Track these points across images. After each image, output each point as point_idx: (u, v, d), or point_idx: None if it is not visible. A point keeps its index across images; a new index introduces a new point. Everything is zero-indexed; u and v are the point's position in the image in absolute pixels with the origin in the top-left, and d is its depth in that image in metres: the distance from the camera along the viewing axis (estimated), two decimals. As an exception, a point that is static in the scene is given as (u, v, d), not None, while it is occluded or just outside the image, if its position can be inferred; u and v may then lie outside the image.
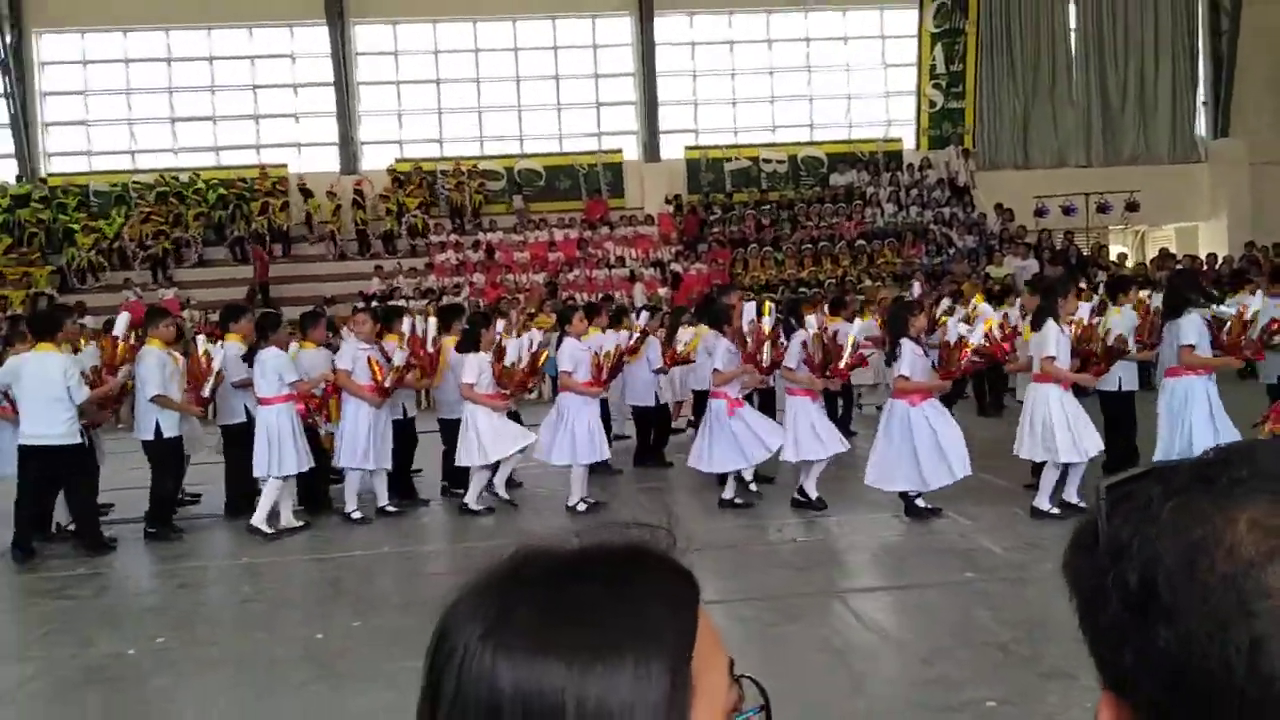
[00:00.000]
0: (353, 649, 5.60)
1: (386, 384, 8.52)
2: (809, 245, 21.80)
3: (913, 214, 22.88)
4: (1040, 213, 21.94)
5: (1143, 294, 9.71)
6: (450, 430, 9.34)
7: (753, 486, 8.67)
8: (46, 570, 7.55)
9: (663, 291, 19.42)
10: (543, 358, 9.05)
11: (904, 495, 7.70)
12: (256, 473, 8.23)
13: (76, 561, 7.73)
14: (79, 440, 7.71)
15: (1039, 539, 6.95)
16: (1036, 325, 7.63)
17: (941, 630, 5.55)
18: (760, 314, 8.41)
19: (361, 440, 8.41)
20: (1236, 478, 0.66)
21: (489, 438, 8.46)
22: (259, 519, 8.14)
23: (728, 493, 8.38)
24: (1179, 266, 17.16)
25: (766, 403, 9.55)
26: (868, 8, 24.87)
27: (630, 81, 24.56)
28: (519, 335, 9.53)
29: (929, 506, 7.70)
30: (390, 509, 8.75)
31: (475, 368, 8.55)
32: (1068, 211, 21.86)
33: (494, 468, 8.76)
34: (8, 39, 22.45)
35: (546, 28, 24.46)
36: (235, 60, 24.11)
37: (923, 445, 7.43)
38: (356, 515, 8.54)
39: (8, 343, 8.67)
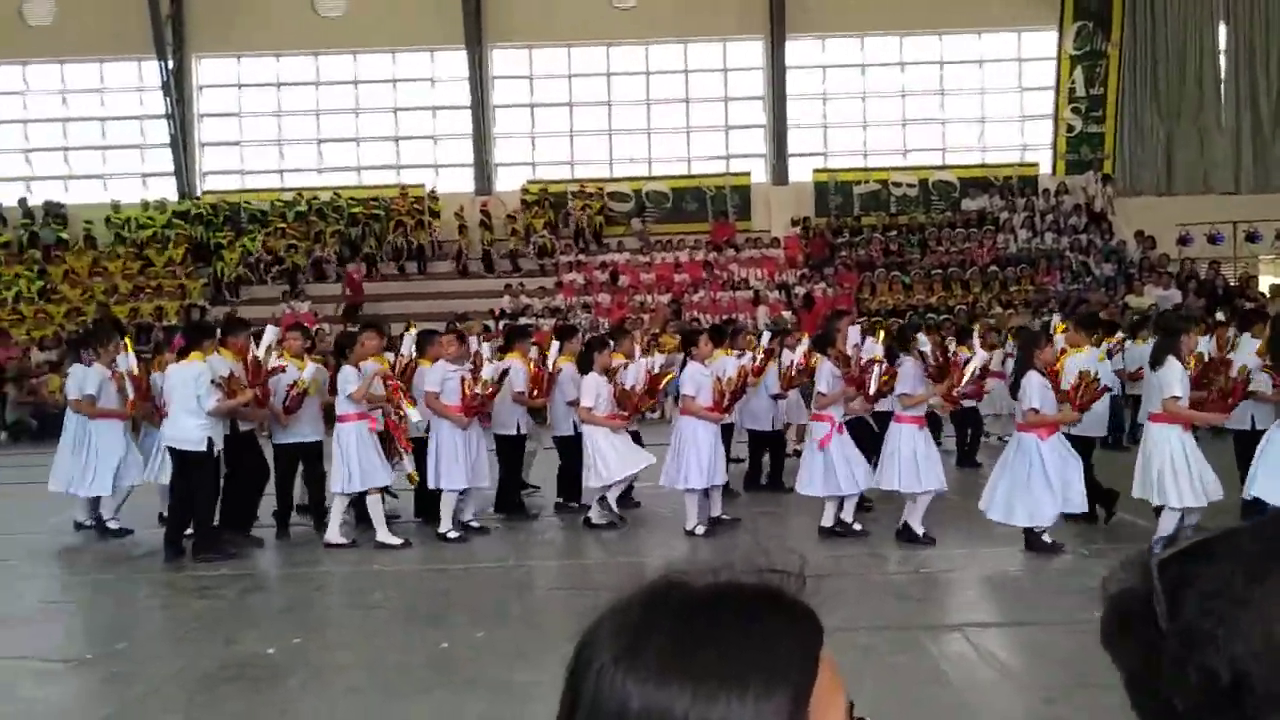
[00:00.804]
0: (475, 659, 5.79)
1: (474, 405, 8.53)
2: (939, 271, 21.46)
3: (1048, 240, 22.30)
4: (1184, 241, 21.13)
5: None
6: (564, 446, 9.55)
7: (847, 518, 8.48)
8: (193, 569, 7.99)
9: (787, 314, 19.37)
10: (665, 380, 9.15)
11: (1027, 529, 7.54)
12: (335, 489, 8.42)
13: (221, 562, 8.16)
14: (204, 448, 8.10)
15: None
16: (1156, 362, 7.28)
17: (1062, 670, 5.44)
18: (869, 339, 8.39)
19: (454, 460, 8.50)
20: None
21: (610, 458, 8.58)
22: (379, 534, 8.45)
23: (827, 520, 8.31)
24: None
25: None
26: (1004, 30, 24.40)
27: (760, 105, 24.62)
28: (643, 356, 9.66)
29: (1052, 541, 7.52)
30: (475, 524, 8.85)
31: (593, 389, 8.66)
32: (1213, 240, 21.01)
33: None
34: (170, 63, 23.82)
35: (678, 52, 24.74)
36: (378, 84, 25.07)
37: (1049, 477, 7.24)
38: (452, 536, 8.62)
39: (158, 351, 9.18)
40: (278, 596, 7.41)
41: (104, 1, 23.67)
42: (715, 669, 0.78)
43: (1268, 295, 19.10)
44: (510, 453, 9.61)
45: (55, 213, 23.90)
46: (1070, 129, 24.02)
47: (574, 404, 9.55)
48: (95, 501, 9.46)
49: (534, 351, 9.93)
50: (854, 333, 8.50)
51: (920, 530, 7.96)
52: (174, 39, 24.06)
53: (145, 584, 7.76)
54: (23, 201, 24.05)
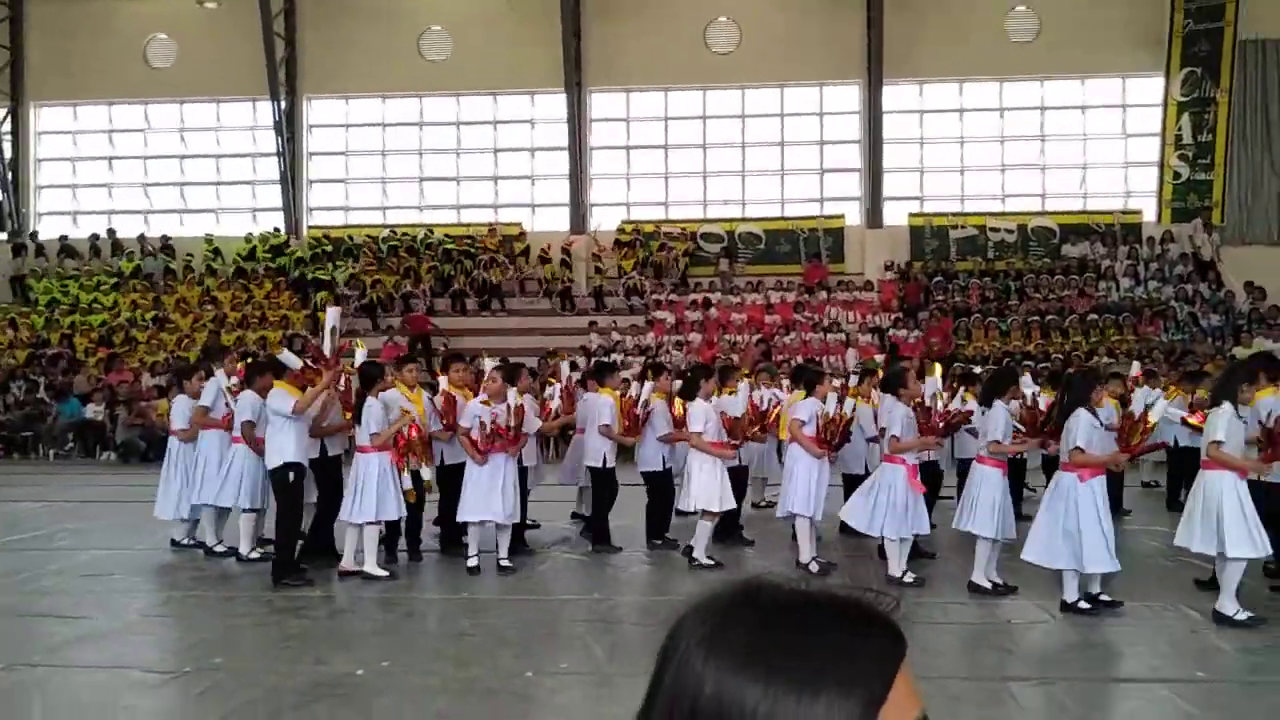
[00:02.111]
0: (560, 690, 5.82)
1: (480, 446, 8.46)
2: (1036, 317, 21.04)
3: (1151, 289, 21.73)
4: (1297, 292, 20.40)
5: None
6: (652, 481, 9.59)
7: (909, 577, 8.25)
8: (287, 590, 8.19)
9: (879, 358, 19.16)
10: (774, 414, 9.14)
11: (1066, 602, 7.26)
12: (343, 516, 8.51)
13: (313, 584, 8.35)
14: (275, 465, 8.37)
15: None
16: (1213, 404, 7.15)
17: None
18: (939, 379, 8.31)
19: (479, 493, 8.49)
20: None
21: (706, 486, 8.61)
22: (366, 564, 8.46)
23: (893, 569, 8.12)
24: None
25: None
26: (1108, 76, 23.99)
27: (855, 148, 24.57)
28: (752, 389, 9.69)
29: (1106, 599, 7.26)
30: (506, 564, 8.71)
31: (701, 416, 8.72)
32: (1328, 292, 20.23)
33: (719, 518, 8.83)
34: (282, 104, 24.76)
35: (774, 95, 24.85)
36: (479, 125, 25.69)
37: (1086, 523, 7.02)
38: (472, 563, 8.61)
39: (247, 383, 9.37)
40: (368, 620, 7.53)
41: (222, 45, 24.78)
42: (791, 668, 0.80)
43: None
44: (599, 486, 9.68)
45: (164, 245, 24.92)
46: (1177, 176, 23.43)
47: (665, 439, 9.61)
48: (195, 523, 9.78)
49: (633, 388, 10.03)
50: (932, 382, 8.43)
51: (993, 581, 7.80)
52: (287, 81, 25.02)
53: (242, 602, 7.97)
54: (141, 237, 25.15)
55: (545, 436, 11.16)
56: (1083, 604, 7.22)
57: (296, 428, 8.41)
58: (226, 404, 9.47)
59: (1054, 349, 19.84)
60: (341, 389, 9.05)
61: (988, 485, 7.77)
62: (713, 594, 0.89)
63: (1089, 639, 6.86)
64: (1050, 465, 8.51)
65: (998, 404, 7.94)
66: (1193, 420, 9.00)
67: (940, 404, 8.34)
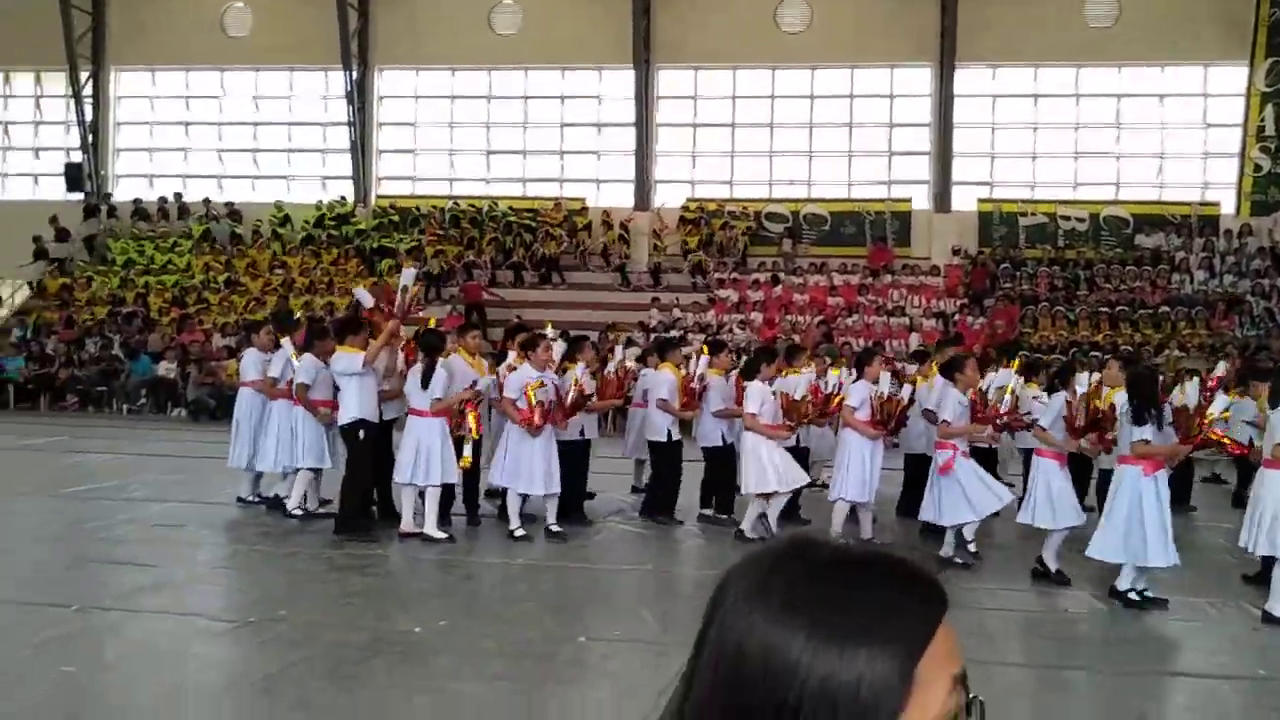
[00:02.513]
0: (613, 655, 5.90)
1: (535, 419, 8.49)
2: (1106, 308, 20.65)
3: (1227, 283, 21.20)
4: (1378, 291, 19.79)
5: None
6: (712, 457, 9.62)
7: (972, 548, 8.26)
8: (352, 548, 8.37)
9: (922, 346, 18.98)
10: (837, 400, 9.07)
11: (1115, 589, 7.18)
12: (402, 479, 8.62)
13: (376, 543, 8.52)
14: (346, 422, 8.63)
15: None
16: (1273, 405, 6.99)
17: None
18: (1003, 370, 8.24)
19: (524, 463, 8.57)
20: None
21: (766, 470, 8.61)
22: (427, 526, 8.56)
23: (946, 550, 8.16)
24: None
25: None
26: (1189, 64, 23.34)
27: (925, 132, 24.23)
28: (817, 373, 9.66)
29: (1151, 596, 7.15)
30: (555, 529, 8.85)
31: (758, 397, 8.74)
32: None
33: (767, 499, 8.82)
34: (354, 74, 25.05)
35: (844, 76, 24.58)
36: (546, 99, 25.76)
37: (1149, 518, 6.92)
38: (520, 533, 8.70)
39: (306, 346, 9.59)
40: (427, 581, 7.68)
41: (297, 16, 25.11)
42: (834, 620, 0.82)
43: None
44: (661, 458, 9.74)
45: (231, 211, 25.38)
46: (1258, 169, 22.78)
47: (720, 414, 9.63)
48: (258, 478, 10.03)
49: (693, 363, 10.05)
50: (1006, 374, 8.39)
51: (1054, 566, 7.74)
52: (359, 51, 25.28)
53: (305, 558, 8.17)
54: (206, 201, 25.64)
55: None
56: (1132, 594, 7.14)
57: (365, 385, 8.61)
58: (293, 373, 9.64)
59: (1123, 340, 19.46)
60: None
61: (1043, 476, 7.74)
62: (761, 549, 0.92)
63: (1149, 632, 6.79)
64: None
65: (1057, 395, 7.94)
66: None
67: (1008, 398, 8.21)
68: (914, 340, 19.16)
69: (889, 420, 8.63)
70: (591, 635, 6.24)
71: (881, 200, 23.97)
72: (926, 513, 8.21)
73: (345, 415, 8.64)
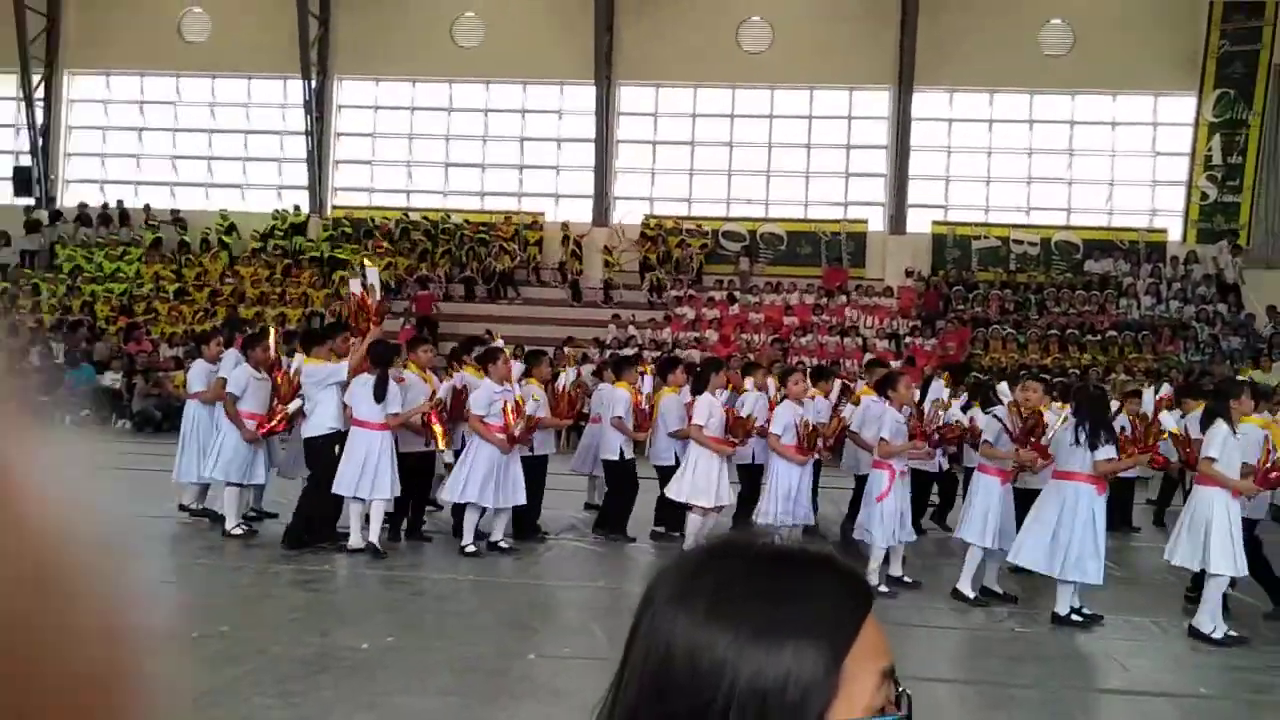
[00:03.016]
0: (563, 672, 5.86)
1: (516, 432, 8.52)
2: (1055, 331, 20.97)
3: (1173, 309, 21.62)
4: (1319, 319, 20.27)
5: None
6: (665, 475, 9.62)
7: (896, 570, 8.16)
8: (300, 562, 8.26)
9: (895, 364, 19.12)
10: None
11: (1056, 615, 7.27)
12: (346, 492, 8.43)
13: (323, 558, 8.42)
14: (319, 434, 8.57)
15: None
16: (1204, 426, 7.11)
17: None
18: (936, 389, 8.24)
19: (486, 478, 8.47)
20: None
21: (698, 481, 8.53)
22: (371, 537, 8.44)
23: (874, 578, 7.86)
24: None
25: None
26: (1140, 93, 23.85)
27: (882, 154, 24.51)
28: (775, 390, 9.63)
29: (1088, 613, 7.24)
30: (504, 545, 8.78)
31: (705, 410, 8.65)
32: (1351, 319, 20.10)
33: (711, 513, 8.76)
34: (313, 83, 24.88)
35: (803, 97, 24.82)
36: (507, 113, 25.74)
37: (1100, 536, 7.05)
38: (471, 549, 8.60)
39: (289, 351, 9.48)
40: (376, 596, 7.59)
41: (256, 22, 24.90)
42: (759, 617, 0.82)
43: None
44: (614, 477, 9.72)
45: (175, 219, 25.04)
46: (1204, 197, 23.29)
47: (675, 435, 9.62)
48: (205, 490, 9.84)
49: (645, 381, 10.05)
50: (937, 386, 8.34)
51: (994, 589, 7.74)
52: (319, 60, 25.12)
53: (250, 572, 8.05)
54: (147, 208, 25.29)
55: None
56: (1075, 616, 7.23)
57: (338, 395, 8.52)
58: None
59: (1071, 364, 19.76)
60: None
61: (983, 493, 7.74)
62: (686, 553, 0.92)
63: (1092, 650, 6.86)
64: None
65: (993, 410, 7.95)
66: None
67: (941, 413, 8.20)
68: (868, 360, 19.31)
69: (815, 443, 8.49)
70: (542, 652, 6.20)
71: (838, 221, 24.20)
72: (860, 532, 8.08)
73: (319, 426, 8.54)
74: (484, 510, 8.72)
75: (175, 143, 26.65)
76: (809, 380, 9.61)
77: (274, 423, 9.01)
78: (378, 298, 8.71)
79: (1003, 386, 8.19)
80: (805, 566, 0.88)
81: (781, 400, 9.03)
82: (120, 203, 25.59)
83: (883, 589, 7.85)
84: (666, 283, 23.04)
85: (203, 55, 25.57)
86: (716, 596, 0.84)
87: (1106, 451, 7.12)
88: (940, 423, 8.16)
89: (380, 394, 8.34)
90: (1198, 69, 23.00)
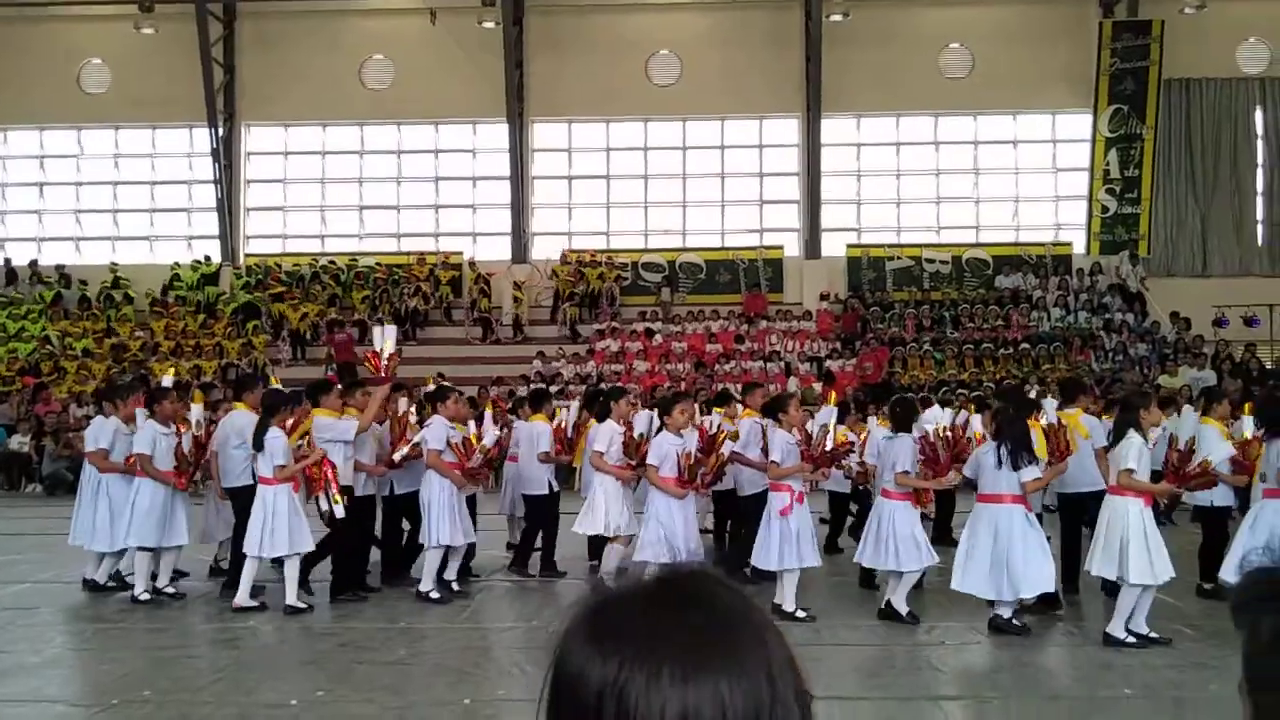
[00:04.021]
0: (499, 716, 5.78)
1: (471, 465, 8.55)
2: (970, 346, 21.43)
3: (1081, 319, 22.25)
4: (1219, 323, 21.03)
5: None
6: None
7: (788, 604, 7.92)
8: (220, 621, 8.04)
9: (817, 387, 19.35)
10: (721, 440, 8.91)
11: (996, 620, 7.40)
12: (255, 552, 8.21)
13: (246, 615, 8.20)
14: (243, 484, 8.49)
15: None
16: (1117, 437, 7.23)
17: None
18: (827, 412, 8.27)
19: (446, 518, 8.41)
20: None
21: (607, 510, 8.45)
22: (241, 599, 8.25)
23: (786, 602, 7.80)
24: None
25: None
26: (1039, 112, 24.65)
27: (794, 180, 24.92)
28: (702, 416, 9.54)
29: (1017, 624, 7.38)
30: (455, 586, 8.79)
31: (607, 437, 8.62)
32: (1250, 323, 20.89)
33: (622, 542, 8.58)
34: (220, 130, 24.51)
35: (715, 128, 25.15)
36: (421, 154, 25.64)
37: (1028, 549, 7.19)
38: (435, 595, 8.49)
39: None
40: (304, 650, 7.41)
41: (159, 71, 24.47)
42: (638, 641, 0.83)
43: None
44: (540, 511, 9.64)
45: (61, 275, 24.48)
46: (1105, 210, 24.09)
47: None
48: (116, 557, 9.32)
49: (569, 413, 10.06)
50: (826, 412, 8.23)
51: (905, 609, 7.75)
52: (225, 107, 24.77)
53: (171, 634, 7.80)
54: (33, 262, 24.69)
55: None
56: (1014, 622, 7.35)
57: (344, 452, 8.37)
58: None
59: (987, 377, 20.19)
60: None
61: (901, 519, 7.68)
62: (595, 591, 0.93)
63: (1021, 659, 6.98)
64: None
65: (904, 435, 7.86)
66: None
67: (830, 435, 8.02)
68: (792, 384, 19.50)
69: (695, 476, 8.11)
70: (475, 696, 6.10)
71: (754, 248, 24.50)
72: (758, 558, 7.92)
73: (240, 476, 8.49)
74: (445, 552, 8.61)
75: (79, 196, 26.01)
76: (705, 409, 9.76)
77: (185, 480, 8.75)
78: (389, 354, 8.57)
79: (928, 413, 8.27)
80: (683, 591, 0.89)
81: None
82: (8, 260, 24.87)
83: (799, 614, 7.80)
84: (574, 316, 23.04)
85: (104, 106, 25.08)
86: (607, 624, 0.86)
87: (1031, 472, 7.24)
88: (827, 446, 7.96)
89: (259, 444, 8.17)
90: (1091, 87, 23.85)
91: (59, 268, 24.64)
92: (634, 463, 8.61)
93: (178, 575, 9.28)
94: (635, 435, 8.70)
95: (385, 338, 8.67)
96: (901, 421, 7.94)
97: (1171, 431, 8.56)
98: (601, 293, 23.53)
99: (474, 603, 8.70)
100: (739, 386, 12.85)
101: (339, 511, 8.26)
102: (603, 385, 18.19)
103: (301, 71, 24.46)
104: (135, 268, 24.57)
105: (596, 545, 9.66)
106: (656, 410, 8.66)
